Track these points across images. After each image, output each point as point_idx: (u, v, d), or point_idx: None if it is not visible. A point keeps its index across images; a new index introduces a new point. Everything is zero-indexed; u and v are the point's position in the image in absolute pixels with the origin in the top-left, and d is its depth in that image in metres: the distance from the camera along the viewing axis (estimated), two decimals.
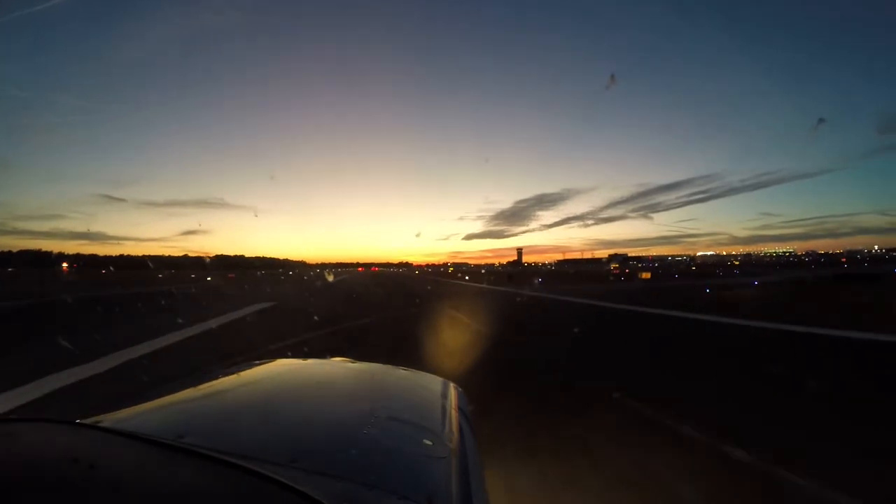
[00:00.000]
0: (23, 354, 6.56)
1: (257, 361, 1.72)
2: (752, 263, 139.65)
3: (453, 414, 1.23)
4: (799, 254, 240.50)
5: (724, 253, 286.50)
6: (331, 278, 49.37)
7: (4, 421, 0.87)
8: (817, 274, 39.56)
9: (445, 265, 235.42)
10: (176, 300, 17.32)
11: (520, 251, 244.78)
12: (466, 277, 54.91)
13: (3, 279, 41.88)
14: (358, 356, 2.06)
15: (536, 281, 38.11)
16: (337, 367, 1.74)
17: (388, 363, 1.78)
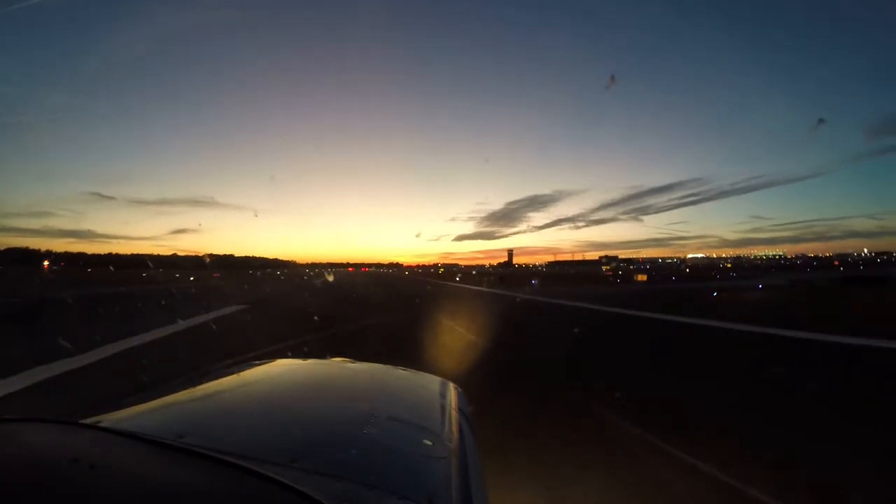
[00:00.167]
0: None
1: (257, 361, 1.72)
2: (744, 266, 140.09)
3: (453, 414, 1.24)
4: (789, 257, 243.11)
5: (715, 256, 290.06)
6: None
7: (4, 421, 0.82)
8: (824, 277, 38.61)
9: (436, 266, 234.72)
10: (148, 302, 16.19)
11: (510, 252, 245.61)
12: (458, 278, 54.29)
13: None
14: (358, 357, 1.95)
15: (532, 283, 36.69)
16: (337, 367, 1.74)
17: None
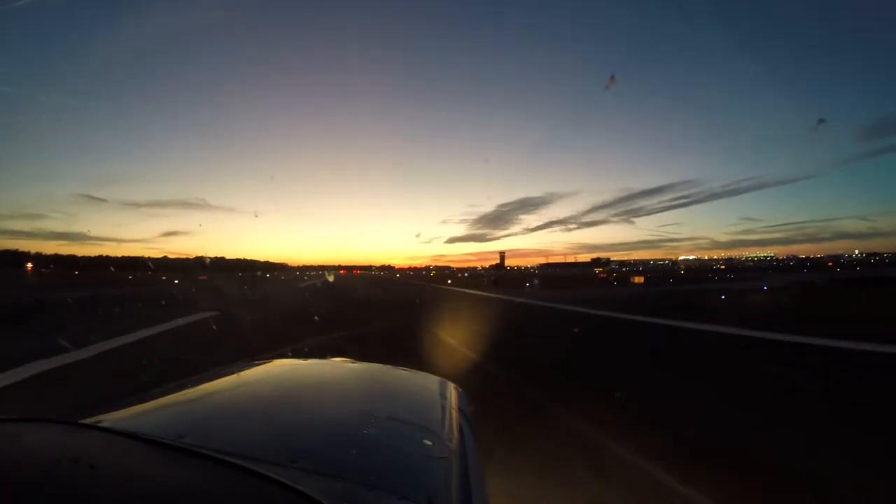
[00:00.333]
0: None
1: (257, 361, 1.71)
2: (737, 268, 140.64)
3: (453, 414, 1.23)
4: (780, 258, 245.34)
5: (706, 257, 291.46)
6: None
7: (4, 421, 0.81)
8: (825, 277, 37.99)
9: (428, 268, 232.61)
10: (123, 306, 15.46)
11: (502, 255, 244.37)
12: (449, 281, 53.80)
13: None
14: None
15: (527, 285, 35.68)
16: (337, 367, 1.74)
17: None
